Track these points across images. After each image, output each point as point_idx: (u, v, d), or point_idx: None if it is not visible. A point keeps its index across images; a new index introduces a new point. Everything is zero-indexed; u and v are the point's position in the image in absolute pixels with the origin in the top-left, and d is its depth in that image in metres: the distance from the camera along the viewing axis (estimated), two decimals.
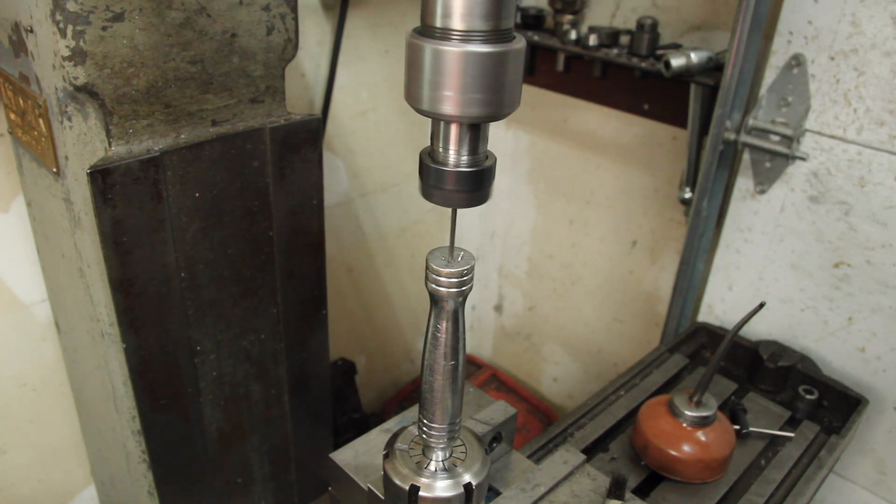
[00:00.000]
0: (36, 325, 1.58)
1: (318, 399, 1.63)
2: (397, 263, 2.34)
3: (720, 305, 1.74)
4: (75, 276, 1.29)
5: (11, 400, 1.60)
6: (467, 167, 0.73)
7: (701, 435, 1.25)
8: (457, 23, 0.65)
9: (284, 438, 1.59)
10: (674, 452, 1.24)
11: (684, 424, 1.25)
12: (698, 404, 1.26)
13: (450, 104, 0.68)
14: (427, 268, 0.79)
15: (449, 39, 0.66)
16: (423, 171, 0.75)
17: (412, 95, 0.70)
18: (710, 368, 1.24)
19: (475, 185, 0.74)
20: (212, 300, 1.32)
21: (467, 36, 0.66)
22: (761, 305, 1.17)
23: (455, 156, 0.73)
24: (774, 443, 1.40)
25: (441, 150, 0.73)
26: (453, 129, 0.72)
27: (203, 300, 1.31)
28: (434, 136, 0.74)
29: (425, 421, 0.88)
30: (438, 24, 0.66)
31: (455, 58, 0.66)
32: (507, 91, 0.69)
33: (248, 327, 1.40)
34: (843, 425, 1.45)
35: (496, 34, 0.66)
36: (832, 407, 1.51)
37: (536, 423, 2.37)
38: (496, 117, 0.70)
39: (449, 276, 0.78)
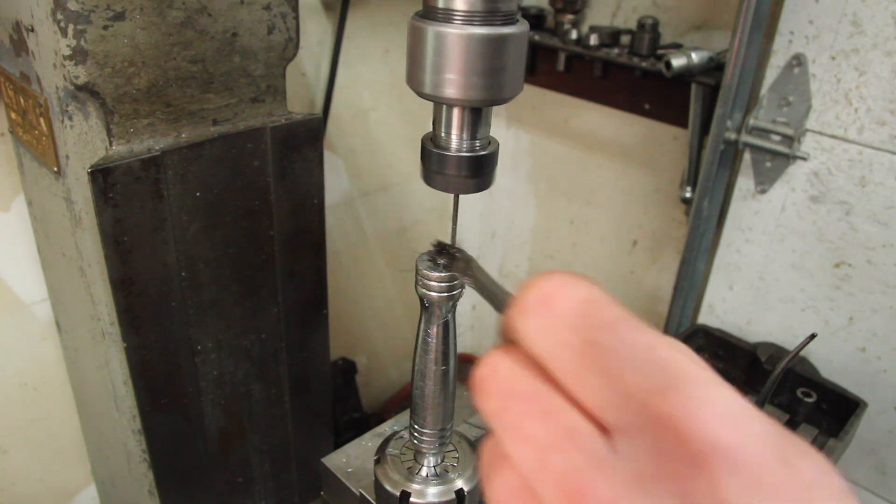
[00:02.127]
0: (36, 325, 1.58)
1: (319, 399, 1.63)
2: (398, 263, 2.34)
3: (721, 305, 1.74)
4: (76, 276, 1.29)
5: (12, 399, 1.60)
6: (469, 152, 0.72)
7: None
8: (459, 4, 0.65)
9: (285, 438, 1.59)
10: None
11: None
12: None
13: (452, 87, 0.67)
14: (416, 272, 0.78)
15: (451, 21, 0.65)
16: (425, 155, 0.74)
17: (414, 79, 0.69)
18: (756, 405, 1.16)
19: (477, 171, 0.73)
20: (212, 300, 1.32)
21: (470, 18, 0.65)
22: (812, 336, 1.09)
23: (457, 140, 0.72)
24: None
25: (443, 134, 0.72)
26: (455, 112, 0.71)
27: (204, 300, 1.31)
28: (436, 121, 0.73)
29: (416, 426, 0.87)
30: (440, 5, 0.65)
31: (457, 40, 0.65)
32: (509, 74, 0.68)
33: (248, 327, 1.40)
34: (841, 428, 1.45)
35: (499, 16, 0.66)
36: (831, 410, 1.50)
37: None
38: (498, 101, 0.69)
39: (439, 280, 0.77)
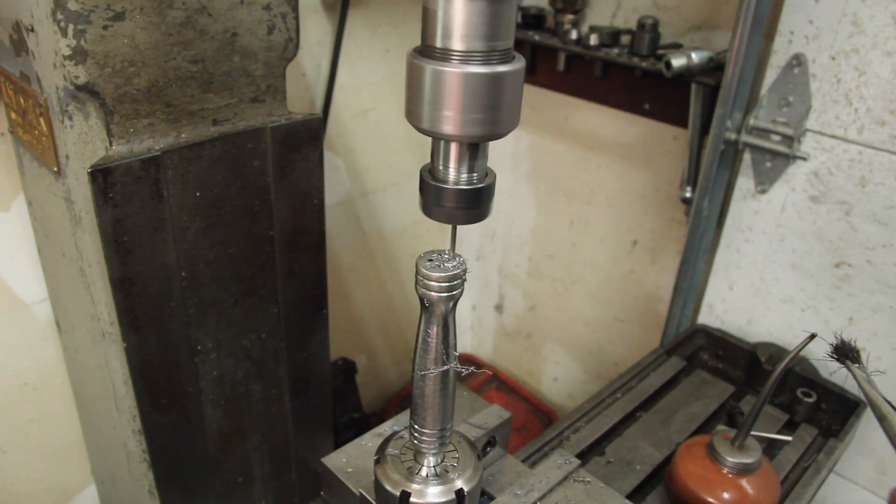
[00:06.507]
0: (36, 325, 1.58)
1: (319, 399, 1.63)
2: (397, 263, 2.34)
3: (721, 305, 1.74)
4: (76, 276, 1.29)
5: (12, 399, 1.60)
6: (467, 185, 0.74)
7: (744, 483, 1.17)
8: (457, 44, 0.66)
9: (285, 438, 1.59)
10: (712, 500, 1.16)
11: (724, 470, 1.18)
12: (741, 448, 1.18)
13: (450, 124, 0.69)
14: (417, 272, 0.79)
15: (449, 60, 0.67)
16: (424, 188, 0.76)
17: (413, 114, 0.71)
18: (754, 410, 1.15)
19: (474, 203, 0.75)
20: (212, 299, 1.32)
21: (467, 57, 0.67)
22: (812, 336, 1.09)
23: (455, 174, 0.74)
24: (773, 446, 1.39)
25: (441, 167, 0.74)
26: (453, 147, 0.73)
27: (204, 299, 1.31)
28: (434, 154, 0.75)
29: (416, 426, 0.87)
30: (438, 44, 0.67)
31: (455, 79, 0.67)
32: (506, 111, 0.70)
33: (248, 327, 1.40)
34: (841, 428, 1.45)
35: (496, 55, 0.67)
36: (830, 410, 1.50)
37: (537, 423, 2.37)
38: (495, 136, 0.71)
39: (439, 280, 0.78)
